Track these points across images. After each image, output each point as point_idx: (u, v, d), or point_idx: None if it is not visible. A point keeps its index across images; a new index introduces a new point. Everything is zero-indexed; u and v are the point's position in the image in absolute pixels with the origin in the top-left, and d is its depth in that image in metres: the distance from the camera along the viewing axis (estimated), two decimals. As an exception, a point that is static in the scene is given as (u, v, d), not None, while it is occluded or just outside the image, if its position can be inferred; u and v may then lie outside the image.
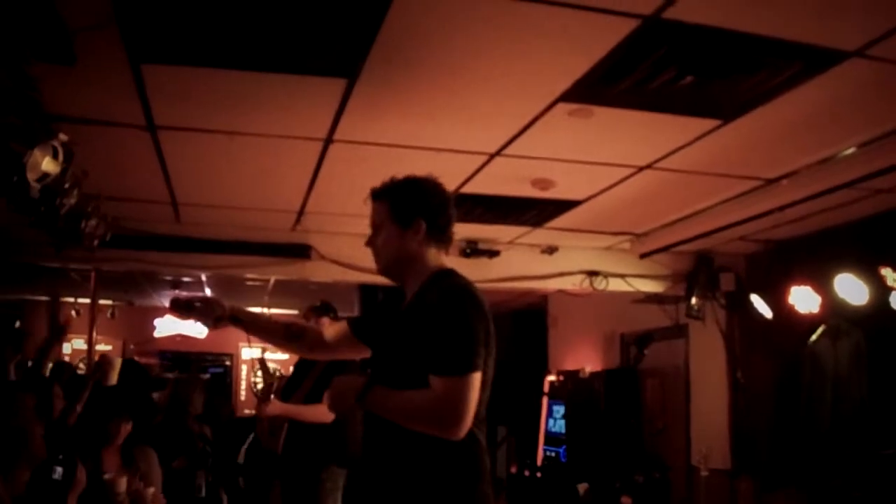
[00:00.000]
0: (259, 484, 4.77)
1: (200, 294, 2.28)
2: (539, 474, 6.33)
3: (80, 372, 6.22)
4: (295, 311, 4.25)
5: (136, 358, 9.93)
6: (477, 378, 1.79)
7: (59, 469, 2.73)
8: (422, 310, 1.88)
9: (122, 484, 3.18)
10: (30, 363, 5.12)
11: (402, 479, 1.84)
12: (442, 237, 1.98)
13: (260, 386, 5.65)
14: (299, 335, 2.21)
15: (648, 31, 2.16)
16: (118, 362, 4.06)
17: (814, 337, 4.41)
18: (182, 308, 2.13)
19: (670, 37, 2.20)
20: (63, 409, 3.69)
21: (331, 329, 2.33)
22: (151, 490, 3.52)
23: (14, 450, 2.44)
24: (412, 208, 1.94)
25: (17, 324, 9.86)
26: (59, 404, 3.67)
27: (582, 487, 5.47)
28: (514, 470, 6.71)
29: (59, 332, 4.33)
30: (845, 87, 2.54)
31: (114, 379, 4.02)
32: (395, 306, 2.02)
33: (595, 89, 2.57)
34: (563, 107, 2.73)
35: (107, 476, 3.18)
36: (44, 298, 9.23)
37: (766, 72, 2.42)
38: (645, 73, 2.43)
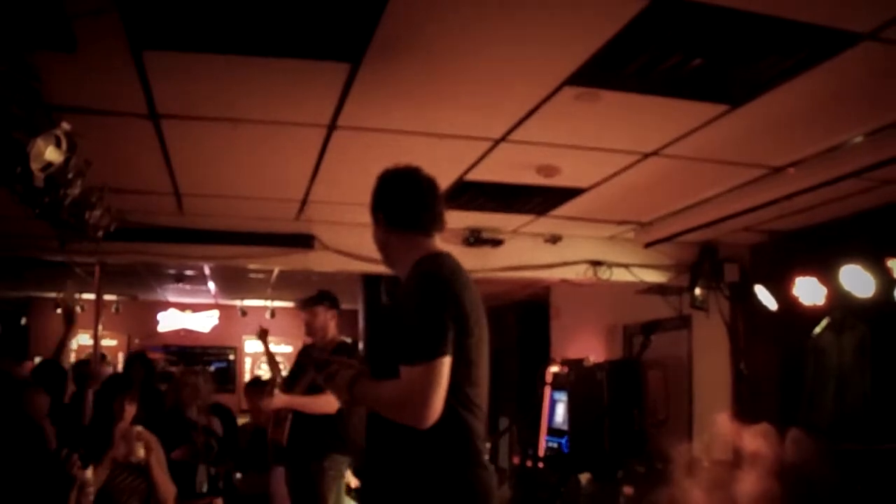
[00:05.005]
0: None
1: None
2: (541, 464, 6.33)
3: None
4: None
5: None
6: (443, 363, 1.75)
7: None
8: (400, 299, 1.92)
9: (89, 472, 3.17)
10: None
11: (396, 467, 1.86)
12: (409, 225, 1.97)
13: (266, 377, 5.66)
14: None
15: (657, 11, 2.12)
16: None
17: (817, 329, 4.38)
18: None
19: (679, 17, 2.17)
20: (73, 394, 3.66)
21: None
22: (139, 428, 3.48)
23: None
24: (374, 202, 2.03)
25: (24, 321, 9.87)
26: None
27: (584, 478, 5.46)
28: (516, 460, 6.71)
29: (70, 319, 4.31)
30: (856, 72, 2.51)
31: None
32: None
33: (602, 72, 2.54)
34: (569, 91, 2.69)
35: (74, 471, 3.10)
36: (49, 295, 9.23)
37: (776, 55, 2.39)
38: (653, 55, 2.40)
